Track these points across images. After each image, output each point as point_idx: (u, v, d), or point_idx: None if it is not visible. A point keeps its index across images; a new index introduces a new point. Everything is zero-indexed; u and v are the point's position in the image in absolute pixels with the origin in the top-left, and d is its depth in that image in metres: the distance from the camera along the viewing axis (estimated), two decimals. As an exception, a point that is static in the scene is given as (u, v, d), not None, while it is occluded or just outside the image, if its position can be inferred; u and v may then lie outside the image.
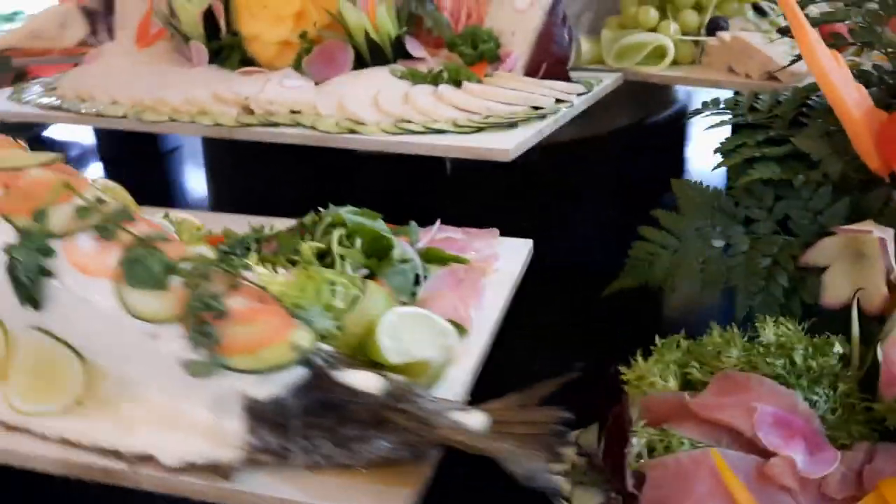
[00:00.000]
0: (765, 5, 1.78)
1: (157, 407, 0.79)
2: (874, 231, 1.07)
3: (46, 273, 0.78)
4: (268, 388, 0.74)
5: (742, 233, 1.24)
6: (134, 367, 0.79)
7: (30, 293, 0.78)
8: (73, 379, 0.81)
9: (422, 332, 0.88)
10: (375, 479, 0.74)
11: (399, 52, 1.66)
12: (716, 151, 1.33)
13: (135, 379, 0.80)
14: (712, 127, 1.42)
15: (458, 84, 1.52)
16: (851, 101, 1.21)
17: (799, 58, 1.40)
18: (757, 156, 1.28)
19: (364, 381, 0.75)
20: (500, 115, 1.39)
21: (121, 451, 0.76)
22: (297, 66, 1.66)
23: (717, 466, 0.72)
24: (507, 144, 1.28)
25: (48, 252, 0.79)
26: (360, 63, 1.63)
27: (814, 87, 1.34)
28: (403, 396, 0.75)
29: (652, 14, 1.75)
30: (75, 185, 0.85)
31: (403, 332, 0.86)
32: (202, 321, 0.75)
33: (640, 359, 0.90)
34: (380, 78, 1.55)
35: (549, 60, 1.58)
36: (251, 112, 1.50)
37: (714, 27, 1.74)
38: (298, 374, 0.76)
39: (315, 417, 0.73)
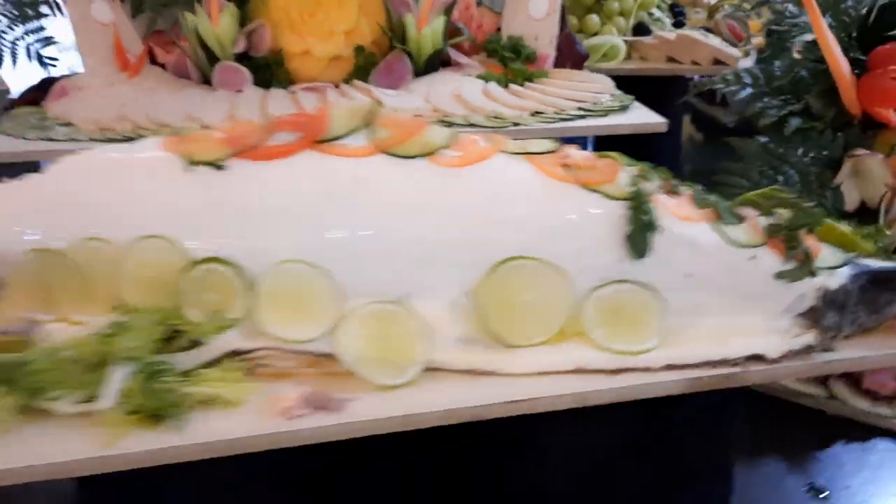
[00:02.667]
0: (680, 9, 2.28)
1: (713, 324, 0.93)
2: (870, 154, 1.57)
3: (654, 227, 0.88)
4: (837, 279, 0.93)
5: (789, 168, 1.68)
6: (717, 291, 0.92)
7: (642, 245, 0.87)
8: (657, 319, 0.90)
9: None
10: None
11: (440, 61, 1.80)
12: (748, 116, 1.75)
13: (699, 304, 0.93)
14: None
15: (522, 83, 1.73)
16: (845, 67, 1.72)
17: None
18: (784, 114, 1.72)
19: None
20: (591, 105, 1.65)
21: (729, 357, 0.89)
22: (347, 80, 1.71)
23: None
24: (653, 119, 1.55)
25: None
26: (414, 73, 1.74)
27: (794, 64, 1.83)
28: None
29: (595, 21, 2.13)
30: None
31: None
32: (792, 238, 0.91)
33: None
34: (464, 81, 1.69)
35: (574, 59, 1.87)
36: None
37: (640, 29, 2.18)
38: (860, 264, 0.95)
39: (864, 294, 0.95)
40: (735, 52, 2.00)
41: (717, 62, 2.04)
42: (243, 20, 1.69)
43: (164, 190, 0.91)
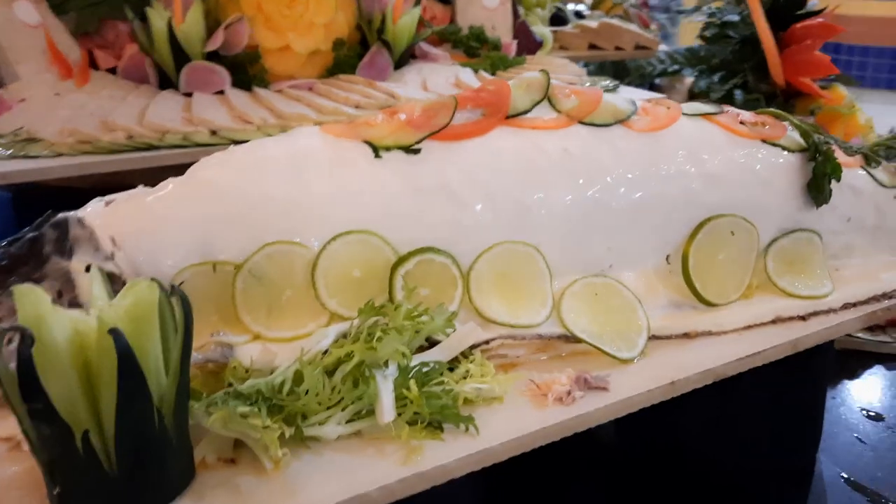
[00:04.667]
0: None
1: (860, 263, 1.00)
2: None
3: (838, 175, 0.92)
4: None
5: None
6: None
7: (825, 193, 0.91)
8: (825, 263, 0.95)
9: None
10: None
11: (410, 54, 1.76)
12: (696, 93, 1.88)
13: (851, 246, 0.99)
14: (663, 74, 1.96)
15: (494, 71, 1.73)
16: (772, 43, 1.90)
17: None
18: (729, 88, 1.88)
19: None
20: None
21: (887, 291, 0.96)
22: (323, 75, 1.62)
23: None
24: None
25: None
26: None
27: (729, 47, 1.99)
28: None
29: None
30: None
31: None
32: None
33: None
34: (455, 70, 1.66)
35: (530, 48, 1.90)
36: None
37: (556, 20, 2.26)
38: None
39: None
40: (652, 36, 2.14)
41: (639, 47, 2.17)
42: (207, 18, 1.54)
43: (358, 180, 0.82)
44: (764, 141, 0.93)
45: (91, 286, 0.62)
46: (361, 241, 0.81)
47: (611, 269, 0.88)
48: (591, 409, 0.75)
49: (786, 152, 0.93)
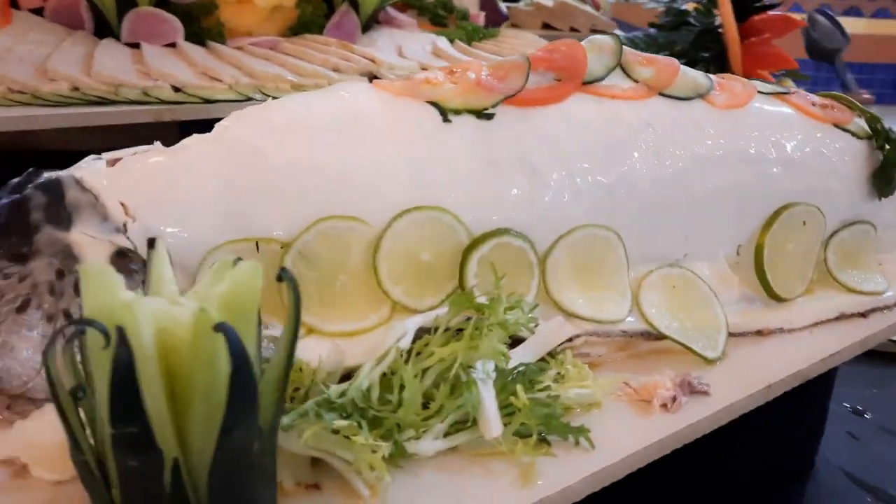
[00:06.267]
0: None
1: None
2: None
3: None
4: None
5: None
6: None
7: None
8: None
9: None
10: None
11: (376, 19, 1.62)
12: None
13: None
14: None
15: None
16: (736, 34, 1.88)
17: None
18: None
19: None
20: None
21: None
22: (284, 34, 1.46)
23: None
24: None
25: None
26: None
27: (691, 35, 1.96)
28: None
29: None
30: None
31: None
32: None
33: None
34: (432, 38, 1.53)
35: (496, 21, 1.81)
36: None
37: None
38: None
39: None
40: (608, 20, 2.09)
41: (594, 31, 2.11)
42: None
43: (425, 147, 0.70)
44: (836, 125, 0.86)
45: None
46: (432, 220, 0.68)
47: (685, 258, 0.80)
48: (699, 416, 0.67)
49: (854, 139, 0.87)
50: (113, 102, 1.09)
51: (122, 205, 0.64)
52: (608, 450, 0.61)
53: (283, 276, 0.45)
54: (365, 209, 0.67)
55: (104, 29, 1.32)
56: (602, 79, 0.78)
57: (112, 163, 0.68)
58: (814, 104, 0.86)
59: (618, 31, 2.16)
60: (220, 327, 0.40)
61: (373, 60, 1.32)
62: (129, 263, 0.62)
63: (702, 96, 0.81)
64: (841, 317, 0.86)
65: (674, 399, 0.67)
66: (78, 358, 0.44)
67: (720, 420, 0.69)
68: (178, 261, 0.63)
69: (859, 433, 1.24)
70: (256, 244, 0.65)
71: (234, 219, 0.65)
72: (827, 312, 0.85)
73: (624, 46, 0.81)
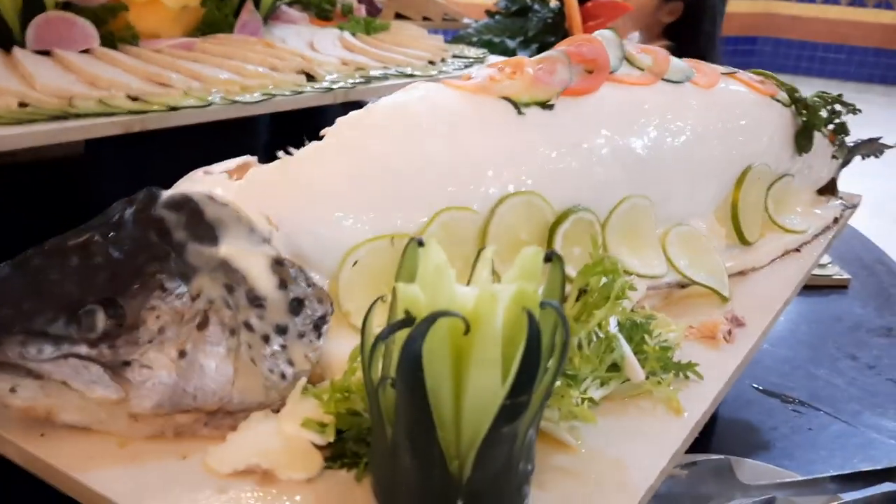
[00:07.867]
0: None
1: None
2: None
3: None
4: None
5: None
6: None
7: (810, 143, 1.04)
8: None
9: None
10: None
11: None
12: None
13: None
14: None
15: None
16: (579, 20, 2.08)
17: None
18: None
19: None
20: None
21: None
22: (190, 34, 1.44)
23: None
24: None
25: None
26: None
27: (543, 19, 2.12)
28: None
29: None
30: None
31: None
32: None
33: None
34: (334, 33, 1.56)
35: (373, 12, 1.86)
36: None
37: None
38: None
39: None
40: (456, 8, 2.21)
41: (446, 19, 2.22)
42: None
43: (509, 139, 0.78)
44: (772, 97, 1.05)
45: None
46: (525, 203, 0.77)
47: (688, 217, 0.95)
48: (749, 345, 0.82)
49: (783, 107, 1.07)
50: (74, 116, 1.03)
51: (265, 216, 0.65)
52: (711, 377, 0.74)
53: (553, 257, 0.52)
54: (469, 198, 0.74)
55: (3, 36, 1.22)
56: (617, 69, 0.90)
57: (232, 175, 0.69)
58: (755, 81, 1.04)
59: (466, 20, 2.30)
60: (544, 304, 0.47)
61: (302, 58, 1.34)
62: (290, 270, 0.64)
63: (689, 79, 0.95)
64: (785, 253, 1.06)
65: (729, 332, 0.81)
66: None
67: (758, 346, 0.84)
68: (317, 263, 0.67)
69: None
70: (392, 239, 0.69)
71: (367, 219, 0.69)
72: (777, 251, 1.04)
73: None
